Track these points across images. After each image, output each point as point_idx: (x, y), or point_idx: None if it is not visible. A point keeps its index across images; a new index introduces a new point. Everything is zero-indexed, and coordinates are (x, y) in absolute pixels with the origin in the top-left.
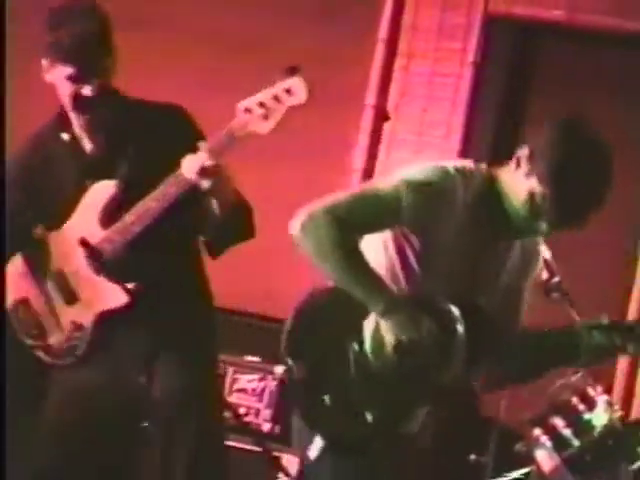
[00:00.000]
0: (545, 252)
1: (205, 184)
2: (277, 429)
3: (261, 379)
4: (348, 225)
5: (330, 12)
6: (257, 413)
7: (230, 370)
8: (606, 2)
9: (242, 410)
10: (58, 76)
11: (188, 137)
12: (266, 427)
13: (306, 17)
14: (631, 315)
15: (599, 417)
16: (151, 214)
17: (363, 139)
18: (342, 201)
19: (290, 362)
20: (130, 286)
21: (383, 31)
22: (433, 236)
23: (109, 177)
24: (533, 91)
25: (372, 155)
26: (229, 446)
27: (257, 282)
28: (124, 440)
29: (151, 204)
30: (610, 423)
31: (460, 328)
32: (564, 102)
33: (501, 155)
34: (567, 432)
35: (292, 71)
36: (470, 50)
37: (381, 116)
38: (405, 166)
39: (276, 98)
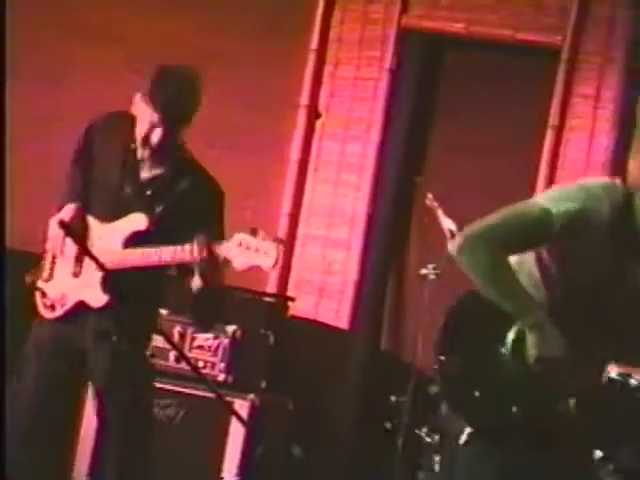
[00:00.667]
0: (450, 223)
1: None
2: (230, 379)
3: (215, 337)
4: (502, 247)
5: (271, 28)
6: (213, 366)
7: (189, 330)
8: (498, 17)
9: (200, 363)
10: (144, 113)
11: (211, 222)
12: (221, 377)
13: (250, 32)
14: None
15: None
16: (152, 261)
17: (299, 133)
18: (495, 224)
19: (444, 358)
20: (106, 297)
21: (314, 43)
22: (578, 255)
23: (145, 212)
24: (440, 91)
25: (306, 147)
26: (190, 393)
27: None
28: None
29: (155, 256)
30: None
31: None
32: (466, 101)
33: (414, 144)
34: None
35: (279, 241)
36: (387, 58)
37: (313, 114)
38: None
39: (256, 252)
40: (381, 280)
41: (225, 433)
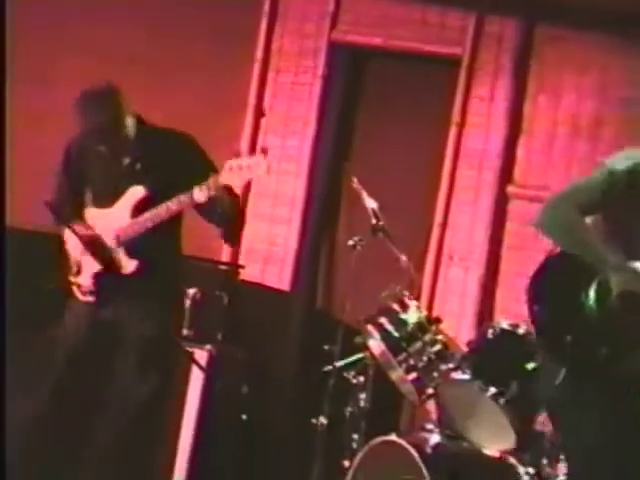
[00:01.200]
0: (372, 203)
1: (205, 202)
2: (191, 333)
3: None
4: (578, 208)
5: (222, 41)
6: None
7: None
8: (410, 33)
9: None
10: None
11: (199, 163)
12: (184, 331)
13: (205, 44)
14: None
15: (411, 316)
16: (161, 217)
17: (247, 129)
18: (570, 191)
19: (537, 307)
20: (134, 262)
21: (259, 53)
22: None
23: (140, 184)
24: (364, 94)
25: (253, 141)
26: None
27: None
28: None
29: (162, 211)
30: (419, 320)
31: None
32: (385, 102)
33: (342, 138)
34: (390, 327)
35: (263, 151)
36: (319, 66)
37: (259, 113)
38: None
39: (248, 168)
40: (316, 250)
41: (185, 381)
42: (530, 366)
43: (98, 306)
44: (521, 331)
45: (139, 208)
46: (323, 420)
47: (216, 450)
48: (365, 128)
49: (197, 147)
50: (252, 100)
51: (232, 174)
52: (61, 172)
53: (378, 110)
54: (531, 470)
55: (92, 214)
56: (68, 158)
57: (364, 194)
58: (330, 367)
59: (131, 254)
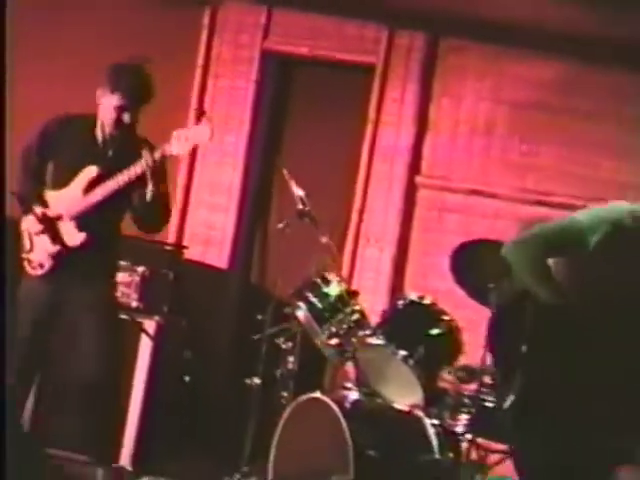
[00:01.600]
0: (299, 191)
1: (150, 179)
2: (141, 305)
3: (130, 276)
4: (545, 248)
5: (166, 50)
6: (128, 296)
7: None
8: (333, 43)
9: (119, 294)
10: (109, 102)
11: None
12: (134, 304)
13: (151, 51)
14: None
15: (333, 290)
16: (112, 189)
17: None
18: (541, 230)
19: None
20: (82, 235)
21: (200, 61)
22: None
23: (100, 165)
24: (292, 96)
25: None
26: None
27: None
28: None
29: (113, 184)
30: (339, 293)
31: None
32: (310, 103)
33: (274, 135)
34: (314, 299)
35: (208, 119)
36: (253, 72)
37: (200, 112)
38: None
39: (194, 135)
40: (250, 233)
41: (135, 348)
42: (434, 332)
43: (47, 279)
44: (427, 302)
45: (90, 187)
46: (257, 380)
47: (162, 408)
48: (293, 126)
49: (152, 145)
50: (194, 101)
51: (179, 142)
52: (33, 149)
53: (305, 111)
54: (435, 421)
55: (50, 195)
56: (42, 137)
57: (292, 183)
58: (262, 334)
59: (80, 228)
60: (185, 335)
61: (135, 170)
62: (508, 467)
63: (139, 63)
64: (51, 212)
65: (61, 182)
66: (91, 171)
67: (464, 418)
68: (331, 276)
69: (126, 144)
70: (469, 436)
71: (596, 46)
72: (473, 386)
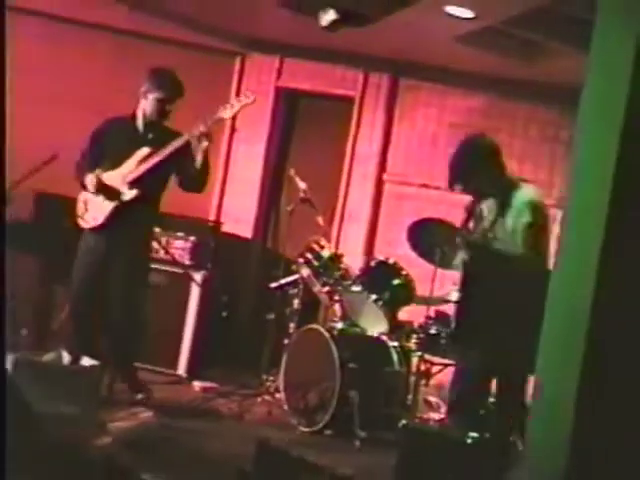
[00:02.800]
0: (302, 184)
1: (196, 140)
2: (192, 263)
3: (185, 242)
4: None
5: (208, 86)
6: (182, 257)
7: (164, 239)
8: (327, 80)
9: (177, 255)
10: (152, 96)
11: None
12: (187, 262)
13: (197, 88)
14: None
15: (325, 253)
16: (165, 155)
17: (225, 139)
18: None
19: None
20: (135, 190)
21: (233, 92)
22: None
23: (148, 146)
24: (298, 120)
25: (229, 148)
26: (172, 271)
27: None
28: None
29: (166, 150)
30: (330, 255)
31: None
32: (311, 128)
33: (285, 146)
34: (312, 260)
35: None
36: (269, 102)
37: (233, 130)
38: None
39: (238, 101)
40: (267, 213)
41: (188, 293)
42: (396, 282)
43: (102, 232)
44: (391, 262)
45: (143, 161)
46: (272, 316)
47: (207, 334)
48: (298, 139)
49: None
50: (229, 122)
51: (226, 109)
52: (87, 147)
53: (306, 128)
54: (396, 344)
55: (107, 175)
56: (94, 137)
57: (297, 179)
58: (276, 284)
59: (132, 186)
60: (222, 284)
61: (178, 143)
62: (445, 374)
63: (173, 69)
64: (107, 182)
65: (115, 165)
66: (144, 151)
67: (415, 341)
68: (324, 243)
69: (163, 132)
70: (419, 354)
71: (509, 83)
72: (422, 319)
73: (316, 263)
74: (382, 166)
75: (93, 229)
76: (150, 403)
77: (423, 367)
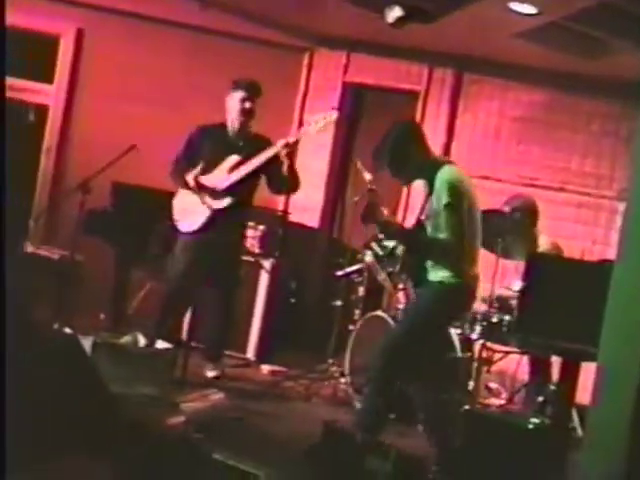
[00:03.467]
0: (368, 175)
1: (284, 152)
2: (261, 251)
3: (254, 231)
4: None
5: (278, 80)
6: (253, 246)
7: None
8: (392, 75)
9: (247, 244)
10: (235, 98)
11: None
12: (257, 250)
13: (269, 83)
14: None
15: (389, 244)
16: (254, 166)
17: (294, 132)
18: None
19: None
20: (228, 199)
21: (302, 87)
22: None
23: (238, 154)
24: (363, 113)
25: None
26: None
27: None
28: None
29: (254, 162)
30: (395, 245)
31: None
32: (374, 119)
33: (351, 137)
34: (377, 249)
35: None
36: (336, 96)
37: (301, 124)
38: None
39: (322, 118)
40: (334, 204)
41: (257, 279)
42: None
43: (198, 235)
44: None
45: (233, 169)
46: (339, 302)
47: (276, 320)
48: (364, 131)
49: (269, 140)
50: (297, 116)
51: (310, 125)
52: (182, 151)
53: (371, 121)
54: (458, 331)
55: (202, 179)
56: (189, 142)
57: (363, 170)
58: (341, 272)
59: (226, 195)
60: (290, 271)
61: (267, 154)
62: (506, 362)
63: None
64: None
65: (207, 171)
66: (233, 158)
67: (478, 329)
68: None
69: (251, 139)
70: (481, 341)
71: (571, 78)
72: (484, 307)
73: (381, 252)
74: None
75: (190, 232)
76: (221, 385)
77: (485, 354)
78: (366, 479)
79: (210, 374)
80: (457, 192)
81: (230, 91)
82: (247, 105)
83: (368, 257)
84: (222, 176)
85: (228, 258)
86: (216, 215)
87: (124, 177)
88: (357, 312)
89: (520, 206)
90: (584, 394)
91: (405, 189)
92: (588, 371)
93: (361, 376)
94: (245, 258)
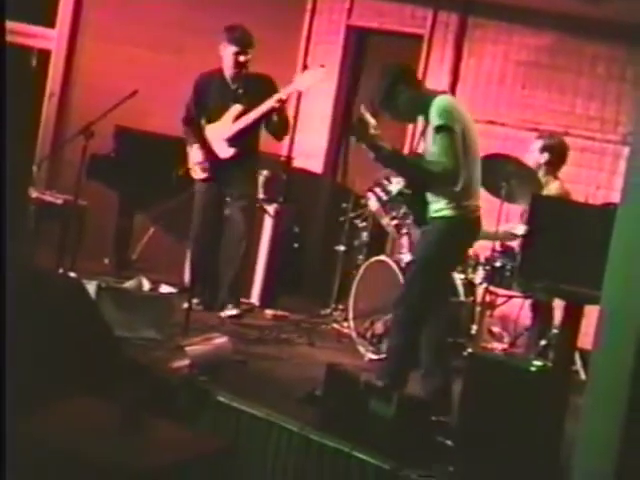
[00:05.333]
0: (372, 120)
1: (278, 105)
2: (265, 196)
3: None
4: None
5: (279, 26)
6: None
7: None
8: (396, 19)
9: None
10: (228, 51)
11: (274, 90)
12: (262, 196)
13: (268, 28)
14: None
15: (394, 187)
16: (256, 116)
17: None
18: None
19: None
20: (232, 150)
21: (304, 32)
22: None
23: (240, 103)
24: (366, 57)
25: None
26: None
27: None
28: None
29: (256, 112)
30: (398, 190)
31: None
32: (377, 63)
33: (353, 81)
34: (381, 194)
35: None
36: (340, 40)
37: (305, 66)
38: None
39: (313, 75)
40: (337, 149)
41: (261, 225)
42: None
43: (211, 180)
44: None
45: (237, 118)
46: (342, 248)
47: (279, 265)
48: (366, 76)
49: (274, 82)
50: (300, 60)
51: (303, 79)
52: (190, 100)
53: (374, 66)
54: (461, 276)
55: (207, 128)
56: (195, 90)
57: (367, 115)
58: (345, 217)
59: (231, 145)
60: (294, 216)
61: (263, 107)
62: (508, 306)
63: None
64: (209, 137)
65: (214, 118)
66: (237, 108)
67: (481, 274)
68: (392, 178)
69: (250, 84)
70: (484, 285)
71: (576, 20)
72: (488, 252)
73: (384, 197)
74: None
75: (204, 179)
76: (225, 329)
77: (488, 298)
78: (369, 422)
79: (229, 313)
80: (449, 116)
81: (224, 41)
82: (241, 59)
83: (372, 202)
84: (227, 126)
85: (243, 202)
86: (223, 164)
87: (127, 122)
88: (360, 257)
89: (552, 146)
90: (587, 338)
91: (409, 134)
92: (592, 316)
93: (364, 320)
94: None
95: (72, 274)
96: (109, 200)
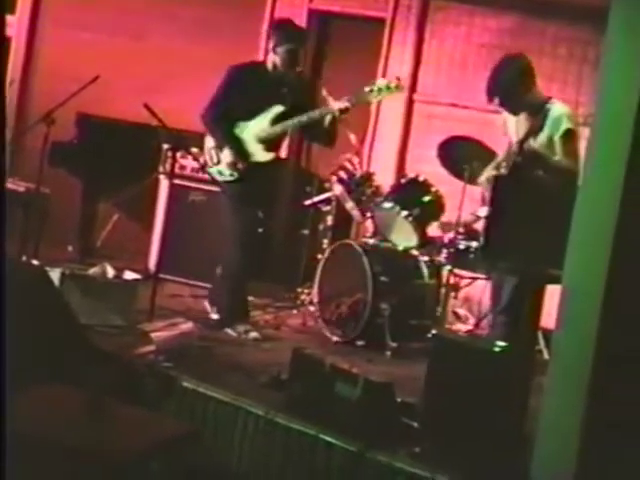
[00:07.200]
0: (337, 104)
1: (337, 113)
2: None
3: None
4: None
5: (238, 16)
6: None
7: (202, 158)
8: (358, 2)
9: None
10: (281, 49)
11: (317, 94)
12: None
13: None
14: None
15: (357, 172)
16: (301, 122)
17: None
18: None
19: None
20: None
21: (267, 15)
22: None
23: (282, 104)
24: (329, 41)
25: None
26: (209, 190)
27: None
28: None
29: (294, 122)
30: (362, 174)
31: None
32: (340, 46)
33: (317, 66)
34: (345, 177)
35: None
36: (302, 24)
37: (267, 52)
38: None
39: (376, 90)
40: (301, 134)
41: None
42: (426, 198)
43: (236, 183)
44: (421, 179)
45: (275, 121)
46: (306, 231)
47: (244, 249)
48: (330, 61)
49: (317, 87)
50: (263, 44)
51: (372, 93)
52: (222, 93)
53: (337, 50)
54: (426, 258)
55: (241, 124)
56: (229, 83)
57: (330, 99)
58: (309, 201)
59: (268, 149)
60: (258, 200)
61: (315, 114)
62: (473, 288)
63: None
64: (242, 137)
65: (247, 116)
66: (278, 109)
67: (445, 256)
68: (356, 161)
69: (295, 86)
70: (448, 267)
71: (538, 1)
72: (451, 234)
73: (348, 181)
74: (412, 86)
75: (231, 181)
76: (189, 315)
77: (452, 280)
78: (335, 405)
79: (252, 335)
80: (575, 123)
81: (274, 38)
82: (295, 57)
83: (336, 186)
84: (264, 126)
85: (269, 202)
86: (254, 167)
87: (89, 108)
88: (325, 241)
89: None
90: (550, 319)
91: (372, 117)
92: (554, 295)
93: (330, 304)
94: (212, 189)
95: (35, 262)
96: (72, 187)
